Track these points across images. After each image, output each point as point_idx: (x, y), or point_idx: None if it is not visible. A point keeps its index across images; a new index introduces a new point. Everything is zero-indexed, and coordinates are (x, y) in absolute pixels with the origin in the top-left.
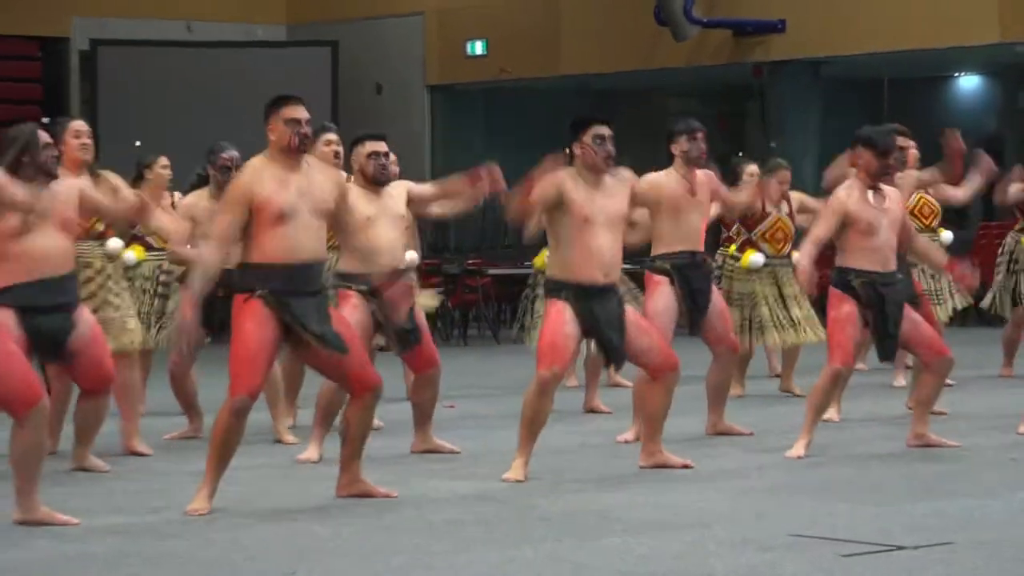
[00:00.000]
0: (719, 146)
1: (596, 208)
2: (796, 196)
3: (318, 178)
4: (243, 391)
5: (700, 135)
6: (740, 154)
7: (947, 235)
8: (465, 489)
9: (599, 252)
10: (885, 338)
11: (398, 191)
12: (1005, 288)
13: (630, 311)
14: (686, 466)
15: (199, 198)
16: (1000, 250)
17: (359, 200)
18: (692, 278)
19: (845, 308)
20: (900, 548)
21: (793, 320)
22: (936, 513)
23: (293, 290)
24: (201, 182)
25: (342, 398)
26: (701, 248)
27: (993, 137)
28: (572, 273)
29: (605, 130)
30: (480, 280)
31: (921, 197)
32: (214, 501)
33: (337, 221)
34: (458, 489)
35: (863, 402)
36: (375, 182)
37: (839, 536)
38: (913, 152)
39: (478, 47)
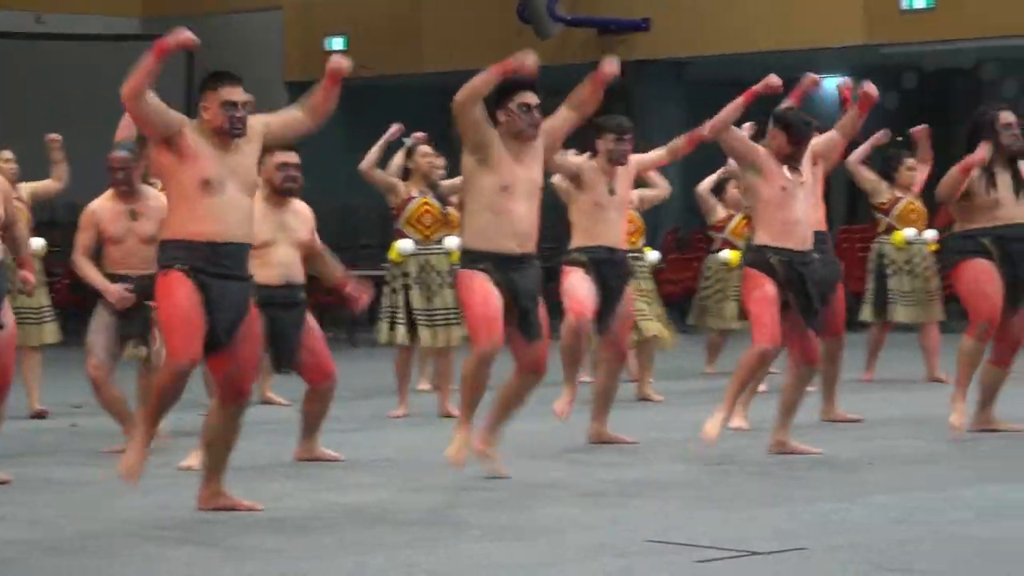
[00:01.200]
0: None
1: (517, 177)
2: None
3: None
4: (183, 359)
5: (628, 137)
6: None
7: (931, 233)
8: (323, 496)
9: (518, 221)
10: (810, 315)
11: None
12: (874, 292)
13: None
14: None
15: (104, 199)
16: (869, 259)
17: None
18: (608, 275)
19: (766, 287)
20: (755, 554)
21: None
22: (792, 518)
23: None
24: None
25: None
26: (622, 246)
27: (858, 140)
28: (489, 242)
29: (532, 97)
30: None
31: (909, 202)
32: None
33: None
34: (317, 496)
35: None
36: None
37: (695, 542)
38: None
39: (337, 43)
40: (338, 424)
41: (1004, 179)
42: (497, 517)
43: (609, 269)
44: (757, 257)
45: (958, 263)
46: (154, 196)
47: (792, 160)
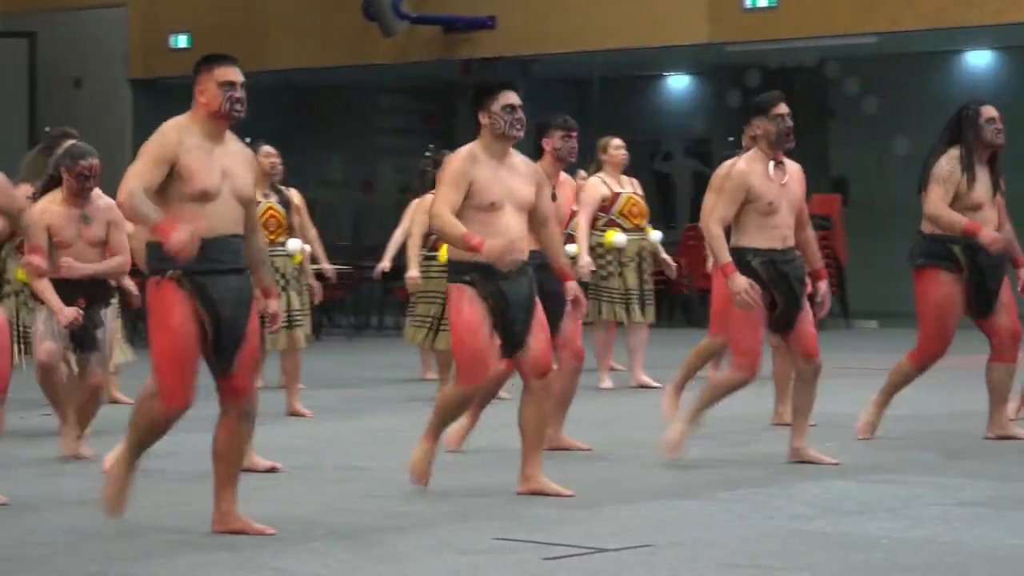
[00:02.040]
0: (428, 144)
1: (503, 190)
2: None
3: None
4: (178, 403)
5: (575, 134)
6: (248, 140)
7: (656, 234)
8: (169, 496)
9: (506, 230)
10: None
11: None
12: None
13: (539, 304)
14: (560, 493)
15: (52, 202)
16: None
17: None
18: (545, 280)
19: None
20: (602, 551)
21: None
22: (637, 515)
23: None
24: (52, 183)
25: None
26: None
27: (702, 138)
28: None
29: (514, 98)
30: None
31: (630, 197)
32: None
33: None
34: (162, 496)
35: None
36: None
37: (542, 539)
38: (623, 153)
39: (182, 40)
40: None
41: (983, 178)
42: (344, 516)
43: (546, 274)
44: (735, 258)
45: (922, 267)
46: (97, 195)
47: (783, 144)
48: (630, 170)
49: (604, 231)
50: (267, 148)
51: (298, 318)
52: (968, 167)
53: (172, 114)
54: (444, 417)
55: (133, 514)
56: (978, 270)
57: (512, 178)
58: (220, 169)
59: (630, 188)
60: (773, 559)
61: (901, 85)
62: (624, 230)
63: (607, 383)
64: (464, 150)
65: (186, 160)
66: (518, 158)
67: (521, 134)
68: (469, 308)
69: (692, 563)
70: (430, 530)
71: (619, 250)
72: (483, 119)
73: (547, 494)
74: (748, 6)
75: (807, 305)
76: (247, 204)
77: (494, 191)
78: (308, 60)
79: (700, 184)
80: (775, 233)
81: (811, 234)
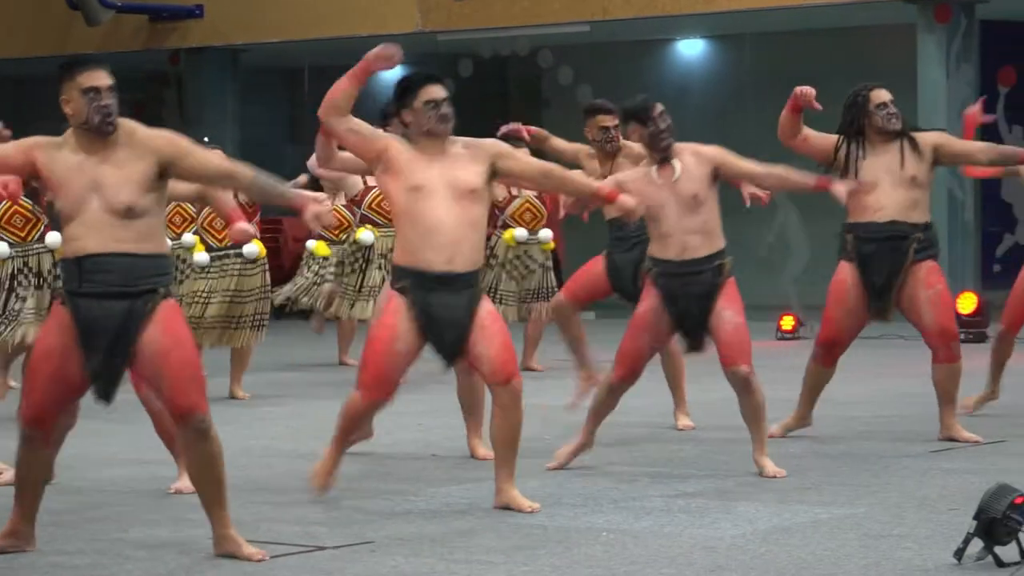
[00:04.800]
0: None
1: (432, 176)
2: None
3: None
4: (28, 421)
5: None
6: (206, 140)
7: (546, 232)
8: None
9: (441, 232)
10: (685, 333)
11: None
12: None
13: (486, 311)
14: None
15: None
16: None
17: None
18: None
19: (648, 302)
20: (321, 548)
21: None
22: (358, 511)
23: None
24: None
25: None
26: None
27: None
28: (412, 256)
29: (439, 91)
30: None
31: (526, 201)
32: None
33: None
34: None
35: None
36: None
37: (262, 538)
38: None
39: None
40: None
41: (881, 162)
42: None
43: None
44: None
45: (838, 260)
46: None
47: (660, 147)
48: None
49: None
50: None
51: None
52: (851, 152)
53: None
54: (348, 426)
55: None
56: (861, 261)
57: (454, 169)
58: (90, 182)
59: None
60: (493, 554)
61: (614, 74)
62: (378, 226)
63: None
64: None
65: (47, 173)
66: (459, 146)
67: (448, 129)
68: (391, 320)
69: (410, 559)
70: (151, 530)
71: (368, 247)
72: (407, 117)
73: (518, 509)
74: None
75: (725, 314)
76: (131, 215)
77: (417, 176)
78: (11, 50)
79: None
80: (669, 242)
81: (776, 169)
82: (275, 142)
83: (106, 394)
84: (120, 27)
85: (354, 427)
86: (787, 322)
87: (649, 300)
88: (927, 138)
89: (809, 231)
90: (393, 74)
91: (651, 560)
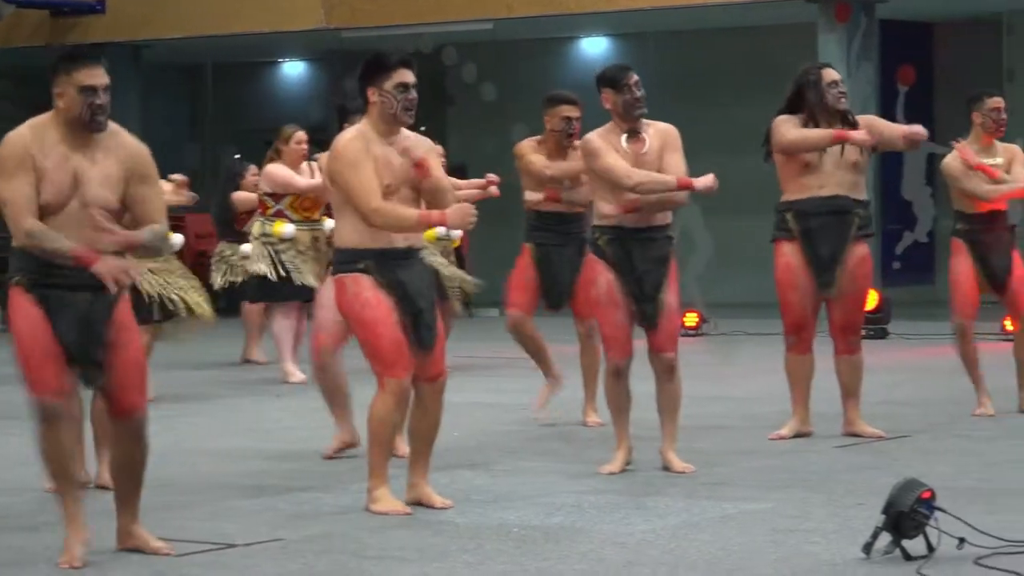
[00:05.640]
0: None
1: (395, 169)
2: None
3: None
4: (47, 394)
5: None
6: (237, 156)
7: (331, 223)
8: None
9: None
10: (641, 302)
11: None
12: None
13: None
14: (444, 506)
15: None
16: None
17: None
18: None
19: (602, 277)
20: (232, 546)
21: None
22: (269, 509)
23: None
24: None
25: None
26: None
27: (319, 126)
28: (368, 237)
29: (410, 76)
30: None
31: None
32: None
33: None
34: None
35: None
36: None
37: (171, 536)
38: (304, 148)
39: None
40: None
41: None
42: None
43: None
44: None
45: (773, 240)
46: None
47: (633, 113)
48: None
49: (274, 221)
50: (300, 134)
51: None
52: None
53: None
54: (382, 441)
55: None
56: (806, 236)
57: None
58: (72, 177)
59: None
60: (406, 551)
61: (517, 71)
62: (293, 221)
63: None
64: (352, 131)
65: (39, 163)
66: (409, 136)
67: (411, 120)
68: (374, 296)
69: (320, 556)
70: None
71: (293, 240)
72: (372, 96)
73: (431, 505)
74: None
75: (671, 298)
76: (107, 212)
77: (388, 173)
78: None
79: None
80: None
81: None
82: (177, 139)
83: (96, 379)
84: (21, 22)
85: (390, 434)
86: (690, 319)
87: (603, 275)
88: (862, 120)
89: (711, 228)
90: None
91: (563, 556)
